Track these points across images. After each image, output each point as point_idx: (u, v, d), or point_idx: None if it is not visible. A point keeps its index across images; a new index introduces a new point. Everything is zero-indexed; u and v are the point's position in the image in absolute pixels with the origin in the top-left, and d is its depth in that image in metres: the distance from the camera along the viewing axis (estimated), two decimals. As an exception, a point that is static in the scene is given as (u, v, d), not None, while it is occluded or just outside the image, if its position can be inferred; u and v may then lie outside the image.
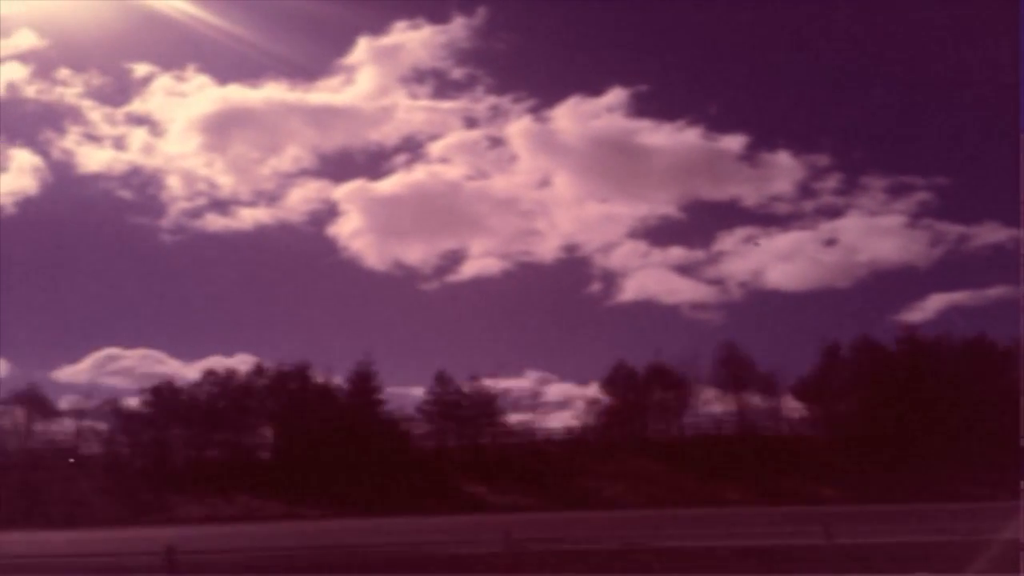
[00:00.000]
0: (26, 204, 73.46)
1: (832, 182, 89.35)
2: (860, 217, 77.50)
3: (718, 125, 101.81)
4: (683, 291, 77.83)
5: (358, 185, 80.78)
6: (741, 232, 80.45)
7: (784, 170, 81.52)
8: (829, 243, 77.21)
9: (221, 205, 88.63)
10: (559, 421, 57.76)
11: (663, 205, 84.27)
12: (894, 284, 75.98)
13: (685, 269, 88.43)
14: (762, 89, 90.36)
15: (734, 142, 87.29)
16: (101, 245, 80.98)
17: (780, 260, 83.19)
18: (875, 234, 76.97)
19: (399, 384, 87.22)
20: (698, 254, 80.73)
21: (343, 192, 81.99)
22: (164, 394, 53.57)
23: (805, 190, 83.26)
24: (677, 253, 79.65)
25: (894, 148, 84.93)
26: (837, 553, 14.74)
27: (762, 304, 76.20)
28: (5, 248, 75.79)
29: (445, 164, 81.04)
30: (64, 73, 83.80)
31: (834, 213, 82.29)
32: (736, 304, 75.71)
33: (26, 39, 77.06)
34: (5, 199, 73.88)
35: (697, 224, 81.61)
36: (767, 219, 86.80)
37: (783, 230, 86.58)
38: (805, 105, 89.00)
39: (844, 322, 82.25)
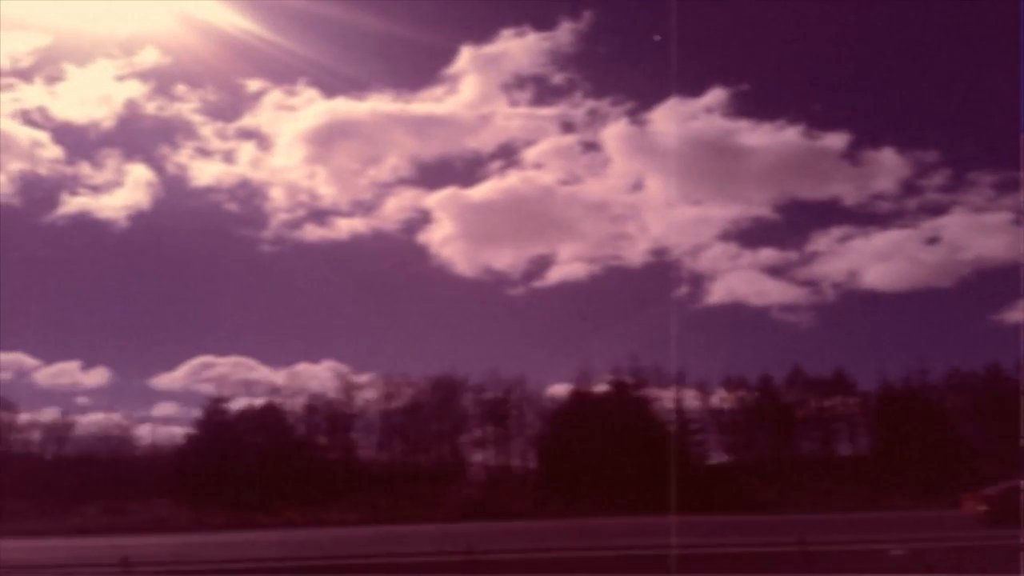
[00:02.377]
0: (138, 218, 76.98)
1: (939, 179, 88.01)
2: (965, 214, 76.08)
3: (821, 123, 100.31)
4: (773, 293, 77.01)
5: (450, 192, 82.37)
6: (837, 232, 77.59)
7: (888, 167, 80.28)
8: (931, 241, 76.07)
9: (319, 216, 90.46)
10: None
11: (757, 206, 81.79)
12: (998, 283, 74.81)
13: (776, 271, 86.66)
14: (869, 85, 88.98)
15: (837, 140, 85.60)
16: (204, 257, 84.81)
17: (878, 260, 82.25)
18: (980, 231, 75.25)
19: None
20: (790, 255, 79.81)
21: (435, 200, 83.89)
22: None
23: (909, 187, 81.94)
24: (768, 254, 78.94)
25: (1005, 142, 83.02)
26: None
27: (857, 305, 75.67)
28: (114, 262, 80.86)
29: (538, 170, 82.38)
30: (181, 89, 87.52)
31: (938, 210, 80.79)
32: (828, 306, 75.26)
33: (150, 56, 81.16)
34: (118, 213, 77.42)
35: (791, 225, 79.82)
36: (866, 218, 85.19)
37: (882, 229, 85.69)
38: (914, 101, 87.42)
39: (943, 323, 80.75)
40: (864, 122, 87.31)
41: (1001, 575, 13.81)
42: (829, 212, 78.40)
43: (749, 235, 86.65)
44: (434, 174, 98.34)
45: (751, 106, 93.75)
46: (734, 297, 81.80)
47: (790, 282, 74.38)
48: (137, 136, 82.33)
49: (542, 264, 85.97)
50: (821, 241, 77.33)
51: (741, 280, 75.93)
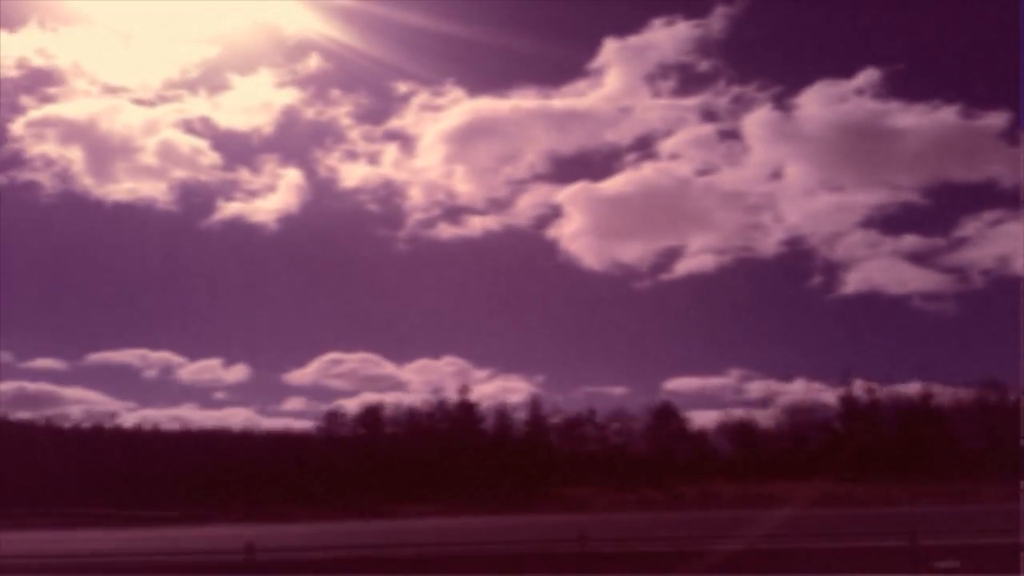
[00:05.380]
0: (287, 220, 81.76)
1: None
2: None
3: (980, 102, 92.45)
4: (914, 281, 74.28)
5: (581, 187, 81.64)
6: (989, 216, 73.95)
7: (1050, 146, 75.49)
8: (1094, 224, 71.85)
9: (453, 214, 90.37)
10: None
11: (904, 191, 76.79)
12: None
13: (919, 257, 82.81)
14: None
15: (997, 119, 76.96)
16: (344, 257, 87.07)
17: (1033, 244, 78.27)
18: None
19: (600, 384, 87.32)
20: (936, 241, 75.71)
21: (566, 194, 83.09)
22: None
23: (1074, 168, 78.11)
24: (911, 241, 75.27)
25: None
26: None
27: (1007, 293, 69.51)
28: (261, 263, 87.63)
29: (674, 160, 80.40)
30: (336, 94, 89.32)
31: (1104, 191, 77.63)
32: (975, 293, 70.58)
33: (311, 64, 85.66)
34: (269, 216, 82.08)
35: (940, 209, 75.62)
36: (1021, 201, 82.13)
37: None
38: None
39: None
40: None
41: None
42: (982, 195, 75.50)
43: (892, 221, 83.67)
44: (568, 169, 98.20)
45: (906, 86, 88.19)
46: (871, 286, 78.99)
47: (934, 269, 71.88)
48: (293, 141, 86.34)
49: (670, 256, 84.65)
50: (970, 226, 74.01)
51: (879, 268, 73.26)
